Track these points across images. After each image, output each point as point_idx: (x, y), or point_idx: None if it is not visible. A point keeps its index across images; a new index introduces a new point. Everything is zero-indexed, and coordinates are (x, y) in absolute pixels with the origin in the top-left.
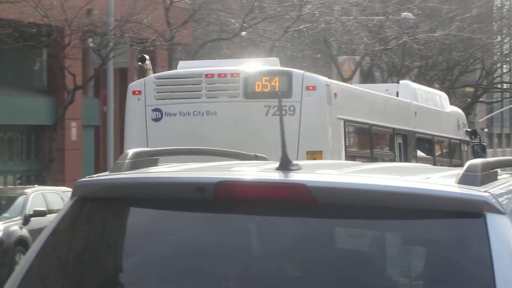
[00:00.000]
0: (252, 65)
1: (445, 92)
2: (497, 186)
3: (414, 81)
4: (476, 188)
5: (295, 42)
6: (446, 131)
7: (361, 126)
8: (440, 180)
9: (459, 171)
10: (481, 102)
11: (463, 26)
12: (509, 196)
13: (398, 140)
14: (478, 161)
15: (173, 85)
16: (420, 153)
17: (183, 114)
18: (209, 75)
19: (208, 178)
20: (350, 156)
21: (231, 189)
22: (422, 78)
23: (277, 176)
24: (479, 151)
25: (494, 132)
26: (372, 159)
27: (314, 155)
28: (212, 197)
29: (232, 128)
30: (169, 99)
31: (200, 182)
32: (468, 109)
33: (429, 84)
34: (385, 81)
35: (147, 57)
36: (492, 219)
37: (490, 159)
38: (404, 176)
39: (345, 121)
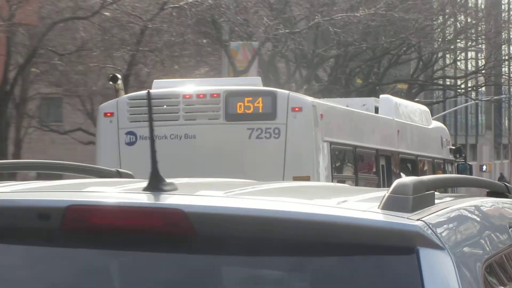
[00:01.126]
0: (233, 85)
1: (371, 89)
2: (434, 212)
3: (329, 74)
4: (406, 215)
5: (174, 23)
6: (429, 150)
7: (346, 148)
8: (359, 205)
9: (385, 192)
10: (417, 103)
11: (394, 4)
12: (451, 226)
13: (381, 161)
14: (409, 180)
15: (147, 106)
16: (403, 176)
17: (160, 138)
18: (187, 96)
19: (54, 201)
20: (340, 181)
21: (85, 216)
22: (341, 70)
23: (145, 198)
24: (464, 172)
25: None
26: (357, 184)
27: (301, 180)
28: (59, 226)
29: (213, 152)
30: (143, 121)
31: (42, 207)
32: None
33: (349, 78)
34: (291, 74)
35: (119, 76)
36: (427, 256)
37: (425, 178)
38: (312, 200)
39: (331, 143)
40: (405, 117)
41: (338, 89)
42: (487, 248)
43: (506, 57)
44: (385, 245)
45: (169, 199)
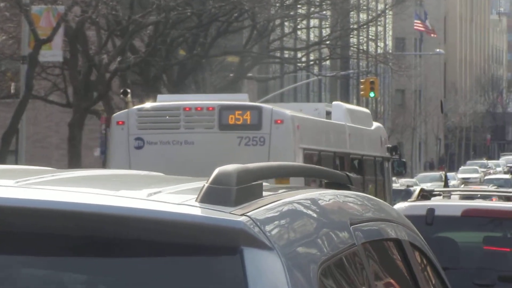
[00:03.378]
0: (226, 100)
1: (197, 62)
2: (262, 206)
3: (147, 44)
4: (228, 209)
5: None
6: (372, 150)
7: (313, 153)
8: (174, 197)
9: (204, 183)
10: (250, 78)
11: None
12: (282, 222)
13: (337, 162)
14: (232, 168)
15: (154, 116)
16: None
17: (163, 143)
18: (187, 109)
19: None
20: (309, 182)
21: None
22: (161, 40)
23: None
24: (399, 168)
25: None
26: (320, 186)
27: (282, 182)
28: None
29: (208, 156)
30: (150, 129)
31: None
32: (230, 88)
33: (171, 49)
34: (103, 44)
35: (129, 90)
36: (253, 257)
37: (251, 165)
38: (119, 190)
39: (304, 149)
40: (353, 121)
41: (158, 61)
42: (325, 249)
43: (355, 26)
44: (203, 244)
45: None
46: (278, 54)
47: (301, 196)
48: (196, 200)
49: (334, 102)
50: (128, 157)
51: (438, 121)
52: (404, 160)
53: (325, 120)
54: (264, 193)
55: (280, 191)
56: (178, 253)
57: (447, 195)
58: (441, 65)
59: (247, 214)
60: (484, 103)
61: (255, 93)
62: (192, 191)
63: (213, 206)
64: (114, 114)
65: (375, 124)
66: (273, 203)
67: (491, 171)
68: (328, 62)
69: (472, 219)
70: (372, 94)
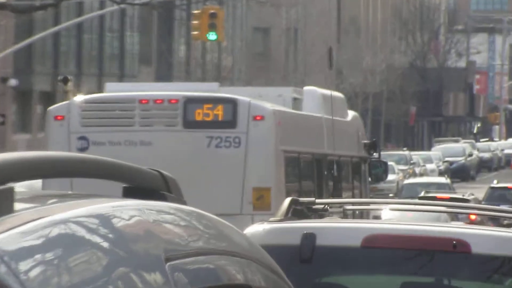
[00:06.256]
0: (192, 91)
1: None
2: (13, 229)
3: None
4: None
5: None
6: (350, 148)
7: (294, 156)
8: None
9: None
10: (3, 7)
11: None
12: (49, 256)
13: (314, 167)
14: None
15: (102, 110)
16: (329, 180)
17: (113, 144)
18: (144, 101)
19: None
20: (289, 191)
21: None
22: None
23: None
24: (379, 172)
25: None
26: (300, 193)
27: (261, 192)
28: None
29: (169, 161)
30: (97, 126)
31: None
32: None
33: None
34: None
35: (70, 77)
36: None
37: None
38: None
39: (284, 151)
40: (328, 111)
41: None
42: None
43: None
44: None
45: None
46: None
47: (81, 212)
48: None
49: (305, 88)
50: None
51: (325, 82)
52: (385, 161)
53: (305, 113)
54: (18, 206)
55: (49, 201)
56: None
57: (339, 210)
58: None
59: None
60: (406, 53)
61: (11, 32)
62: None
63: None
64: (51, 107)
65: (350, 114)
66: (33, 223)
67: (417, 169)
68: None
69: (380, 252)
70: (213, 36)
